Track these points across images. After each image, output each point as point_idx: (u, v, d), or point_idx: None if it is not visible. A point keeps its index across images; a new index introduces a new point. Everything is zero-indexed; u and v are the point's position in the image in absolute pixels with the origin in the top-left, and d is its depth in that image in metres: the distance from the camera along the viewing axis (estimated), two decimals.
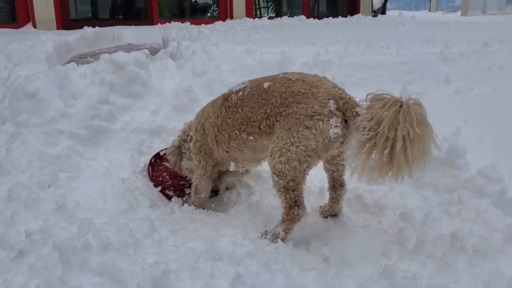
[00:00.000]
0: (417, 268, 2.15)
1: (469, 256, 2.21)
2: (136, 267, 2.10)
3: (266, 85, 2.55)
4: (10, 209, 2.67)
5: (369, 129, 2.14)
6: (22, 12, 14.59)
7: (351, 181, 2.84)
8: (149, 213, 2.94)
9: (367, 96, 2.29)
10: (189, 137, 3.16)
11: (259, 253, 2.18)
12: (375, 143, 2.12)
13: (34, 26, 14.24)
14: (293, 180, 2.45)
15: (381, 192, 3.07)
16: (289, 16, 15.74)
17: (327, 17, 16.60)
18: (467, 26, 11.80)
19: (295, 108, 2.37)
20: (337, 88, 2.45)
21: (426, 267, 2.20)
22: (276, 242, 2.50)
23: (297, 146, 2.36)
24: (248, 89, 2.65)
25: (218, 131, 2.79)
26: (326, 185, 2.87)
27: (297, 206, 2.50)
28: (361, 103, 2.31)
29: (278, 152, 2.42)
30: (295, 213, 2.51)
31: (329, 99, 2.36)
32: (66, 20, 14.93)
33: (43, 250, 2.26)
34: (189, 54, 5.77)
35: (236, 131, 2.67)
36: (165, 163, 3.55)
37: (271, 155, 2.48)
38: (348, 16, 17.12)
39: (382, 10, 22.33)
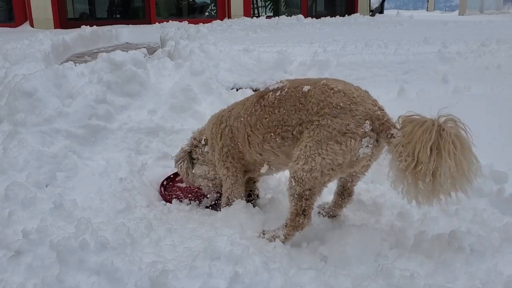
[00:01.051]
0: (414, 267, 2.14)
1: (466, 255, 2.21)
2: (134, 266, 2.09)
3: (306, 88, 2.44)
4: (7, 208, 2.66)
5: (406, 155, 2.12)
6: (20, 11, 14.57)
7: None
8: (146, 212, 2.93)
9: (398, 118, 2.25)
10: (202, 141, 3.02)
11: (256, 253, 2.17)
12: (416, 171, 2.10)
13: (32, 25, 14.22)
14: (309, 189, 2.40)
15: (378, 191, 3.07)
16: (287, 16, 15.76)
17: (325, 17, 16.64)
18: (465, 26, 11.81)
19: (329, 121, 2.30)
20: (376, 107, 2.35)
21: (423, 266, 2.19)
22: (274, 241, 2.50)
23: (324, 158, 2.31)
24: (286, 89, 2.52)
25: (251, 131, 2.64)
26: (334, 189, 2.82)
27: (304, 215, 2.47)
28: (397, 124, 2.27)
29: (304, 159, 2.35)
30: (300, 221, 2.48)
31: (366, 119, 2.28)
32: (64, 19, 14.91)
33: (40, 250, 2.25)
34: (187, 53, 5.76)
35: (272, 133, 2.54)
36: (178, 184, 3.53)
37: (295, 160, 2.41)
38: (346, 15, 17.14)
39: (380, 10, 22.37)
